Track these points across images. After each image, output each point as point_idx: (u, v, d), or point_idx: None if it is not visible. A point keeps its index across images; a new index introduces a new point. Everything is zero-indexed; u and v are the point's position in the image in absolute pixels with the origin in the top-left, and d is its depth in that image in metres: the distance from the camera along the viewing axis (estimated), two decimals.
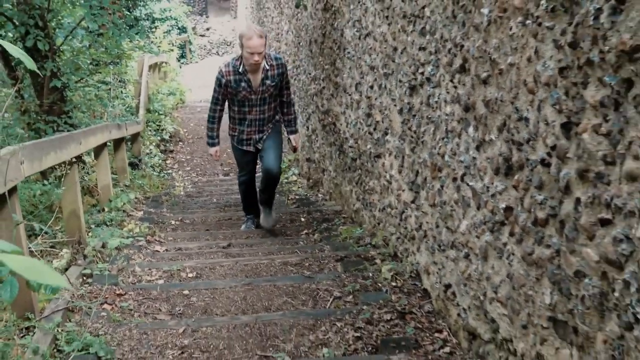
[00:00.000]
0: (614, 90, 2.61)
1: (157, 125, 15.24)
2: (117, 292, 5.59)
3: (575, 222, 2.98)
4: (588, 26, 2.74)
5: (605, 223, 2.73)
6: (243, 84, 6.53)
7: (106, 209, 8.06)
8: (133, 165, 11.23)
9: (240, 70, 6.48)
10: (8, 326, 4.10)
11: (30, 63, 2.01)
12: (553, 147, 3.13)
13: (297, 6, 9.39)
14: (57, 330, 4.49)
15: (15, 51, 1.90)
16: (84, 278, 5.77)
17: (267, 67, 6.55)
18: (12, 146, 4.76)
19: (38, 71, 1.58)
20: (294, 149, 7.75)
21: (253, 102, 6.65)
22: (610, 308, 2.73)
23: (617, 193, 2.62)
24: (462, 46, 4.21)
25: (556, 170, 3.15)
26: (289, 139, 7.55)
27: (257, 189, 7.74)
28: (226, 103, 7.09)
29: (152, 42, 14.94)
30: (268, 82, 6.59)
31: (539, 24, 3.19)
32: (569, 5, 2.89)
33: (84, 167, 8.97)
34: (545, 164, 3.24)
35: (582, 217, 2.91)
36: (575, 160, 2.94)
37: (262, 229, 7.97)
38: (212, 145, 7.31)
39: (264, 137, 7.09)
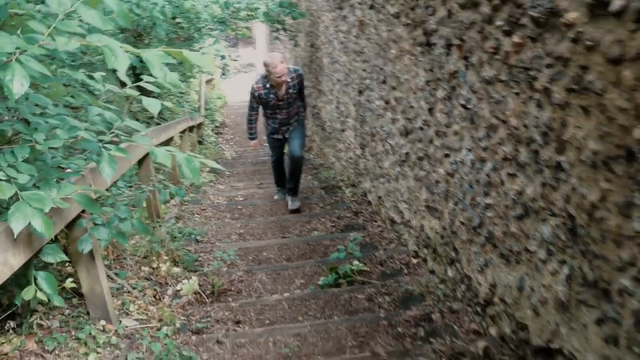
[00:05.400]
0: (448, 92, 3.18)
1: (212, 118, 15.41)
2: (202, 208, 6.12)
3: (434, 156, 3.54)
4: (437, 61, 3.28)
5: (447, 155, 3.31)
6: (272, 95, 5.51)
7: None
8: (199, 142, 11.31)
9: (267, 86, 5.49)
10: (151, 223, 4.72)
11: (155, 106, 2.04)
12: (425, 121, 3.65)
13: (294, 45, 9.75)
14: (173, 227, 4.98)
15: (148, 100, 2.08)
16: (183, 202, 6.21)
17: (289, 80, 5.53)
18: (148, 129, 5.12)
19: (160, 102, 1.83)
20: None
21: (281, 106, 5.66)
22: (449, 196, 3.35)
23: (451, 141, 3.22)
24: (383, 69, 4.57)
25: (426, 132, 3.66)
26: None
27: (286, 172, 6.41)
28: (260, 108, 5.87)
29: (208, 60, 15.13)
30: (291, 90, 5.58)
31: (417, 58, 3.66)
32: (429, 50, 3.40)
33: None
34: (421, 129, 3.75)
35: (437, 153, 3.48)
36: (434, 126, 3.48)
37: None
38: (252, 139, 6.12)
39: (291, 128, 5.95)
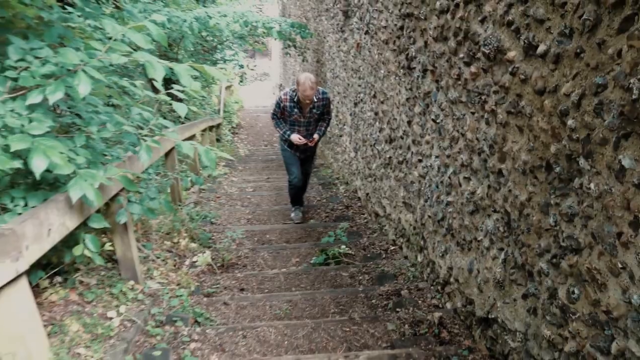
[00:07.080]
0: (423, 108, 3.42)
1: (229, 119, 15.52)
2: (217, 196, 6.28)
3: (411, 161, 3.74)
4: (415, 82, 3.51)
5: (420, 161, 3.53)
6: (296, 110, 4.96)
7: None
8: (217, 140, 11.48)
9: (295, 99, 4.93)
10: (174, 206, 4.92)
11: (183, 109, 2.32)
12: (405, 131, 3.86)
13: (302, 60, 9.94)
14: (191, 210, 5.13)
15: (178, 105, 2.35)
16: (201, 190, 6.40)
17: (315, 100, 4.93)
18: (175, 127, 5.29)
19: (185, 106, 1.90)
20: (311, 142, 5.06)
21: (301, 123, 5.07)
22: (421, 194, 3.56)
23: (424, 149, 3.43)
24: (374, 86, 4.76)
25: (405, 140, 3.87)
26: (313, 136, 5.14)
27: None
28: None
29: (225, 74, 15.29)
30: (314, 110, 5.00)
31: (400, 79, 3.87)
32: (410, 72, 3.62)
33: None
34: (402, 137, 3.95)
35: (413, 159, 3.69)
36: (411, 136, 3.70)
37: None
38: (290, 135, 5.08)
39: (307, 154, 5.38)
